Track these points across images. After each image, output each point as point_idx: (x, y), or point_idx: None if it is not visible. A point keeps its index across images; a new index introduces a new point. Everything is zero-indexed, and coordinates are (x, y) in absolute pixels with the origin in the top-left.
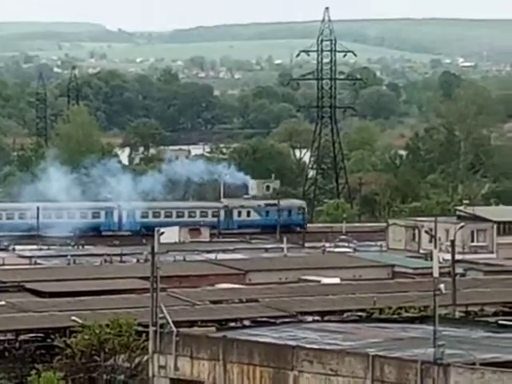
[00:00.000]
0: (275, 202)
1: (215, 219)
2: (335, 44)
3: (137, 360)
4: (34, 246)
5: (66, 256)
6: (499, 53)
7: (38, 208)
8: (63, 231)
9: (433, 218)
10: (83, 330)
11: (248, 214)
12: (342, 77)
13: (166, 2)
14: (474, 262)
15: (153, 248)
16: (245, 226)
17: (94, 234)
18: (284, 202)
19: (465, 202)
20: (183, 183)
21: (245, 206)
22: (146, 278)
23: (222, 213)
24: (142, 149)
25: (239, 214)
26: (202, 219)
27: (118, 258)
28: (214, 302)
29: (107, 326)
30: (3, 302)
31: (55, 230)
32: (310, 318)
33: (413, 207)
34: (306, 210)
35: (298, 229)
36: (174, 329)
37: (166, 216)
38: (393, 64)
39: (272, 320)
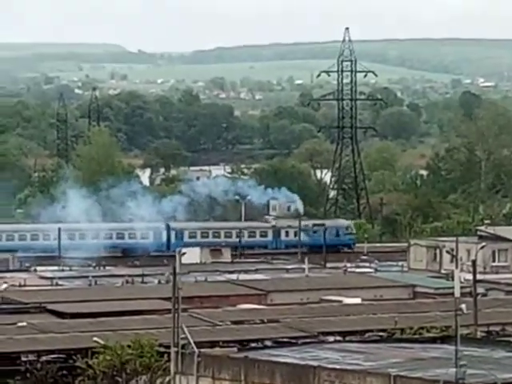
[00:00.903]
0: (323, 222)
1: (263, 239)
2: (355, 64)
3: (158, 381)
4: (55, 267)
5: (87, 277)
6: None
7: (59, 229)
8: (111, 252)
9: (454, 238)
10: (105, 350)
11: (295, 234)
12: (362, 97)
13: (186, 24)
14: (495, 282)
15: (174, 269)
16: (292, 245)
17: (142, 254)
18: (331, 222)
19: (486, 221)
20: (204, 204)
21: (292, 226)
22: (167, 299)
23: (270, 233)
24: (162, 170)
25: (287, 234)
26: (238, 239)
27: (140, 279)
28: (236, 323)
29: (129, 346)
30: (25, 323)
31: (104, 251)
32: (331, 339)
33: (434, 227)
34: (354, 231)
35: (346, 249)
36: (196, 349)
37: (214, 236)
38: (413, 84)
39: (293, 340)
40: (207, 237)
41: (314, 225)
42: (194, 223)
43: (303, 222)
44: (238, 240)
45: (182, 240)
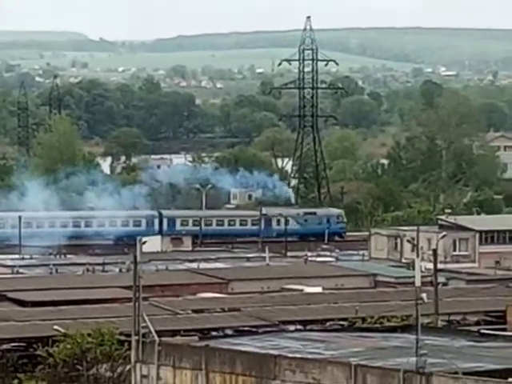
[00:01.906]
0: (314, 210)
1: (255, 227)
2: (317, 53)
3: (119, 369)
4: (16, 256)
5: (48, 265)
6: (481, 62)
7: (19, 217)
8: (104, 239)
9: (415, 227)
10: (65, 339)
11: (286, 222)
12: (323, 86)
13: (148, 12)
14: (456, 271)
15: (135, 257)
16: (283, 234)
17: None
18: (322, 211)
19: (447, 211)
20: (164, 192)
21: (283, 214)
22: (128, 288)
23: (262, 221)
24: (123, 158)
25: (278, 222)
26: (242, 227)
27: (100, 268)
28: (197, 311)
29: (89, 335)
30: None
31: (98, 238)
32: (292, 327)
33: (395, 216)
34: (345, 219)
35: (337, 237)
36: (157, 338)
37: (207, 224)
38: (374, 73)
39: (254, 329)
40: (199, 225)
41: (305, 213)
42: (186, 211)
43: (294, 211)
44: (230, 228)
45: (174, 228)
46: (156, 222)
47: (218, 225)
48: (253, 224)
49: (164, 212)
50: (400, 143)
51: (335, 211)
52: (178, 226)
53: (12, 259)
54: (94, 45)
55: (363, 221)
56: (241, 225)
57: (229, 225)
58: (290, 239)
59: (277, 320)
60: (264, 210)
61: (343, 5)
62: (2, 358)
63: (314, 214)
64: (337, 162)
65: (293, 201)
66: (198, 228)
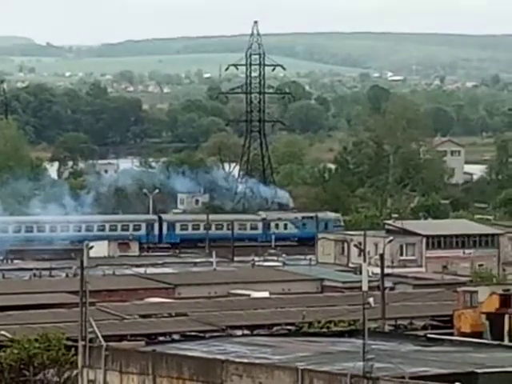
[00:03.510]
0: (312, 214)
1: (254, 231)
2: (264, 58)
3: (66, 374)
4: None
5: None
6: (428, 67)
7: None
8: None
9: (362, 232)
10: (12, 344)
11: (285, 226)
12: (270, 91)
13: (95, 17)
14: (402, 276)
15: (82, 262)
16: (282, 238)
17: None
18: (320, 215)
19: (394, 215)
20: (111, 196)
21: (282, 218)
22: (75, 293)
23: (261, 225)
24: (70, 163)
25: (277, 226)
26: (241, 232)
27: (47, 273)
28: (143, 316)
29: (36, 340)
30: None
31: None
32: (239, 332)
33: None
34: (342, 223)
35: None
36: (104, 343)
37: (205, 229)
38: (322, 78)
39: (201, 334)
40: (198, 229)
41: (304, 217)
42: (186, 216)
43: (293, 215)
44: (229, 232)
45: (173, 232)
46: (156, 226)
47: (217, 229)
48: (252, 228)
49: (164, 216)
50: (347, 148)
51: (333, 215)
52: (178, 231)
53: None
54: (40, 49)
55: None
56: (240, 229)
57: (228, 229)
58: (288, 243)
59: (224, 325)
60: (263, 214)
61: (290, 10)
62: None
63: (312, 218)
64: (284, 166)
65: (291, 205)
66: (197, 232)
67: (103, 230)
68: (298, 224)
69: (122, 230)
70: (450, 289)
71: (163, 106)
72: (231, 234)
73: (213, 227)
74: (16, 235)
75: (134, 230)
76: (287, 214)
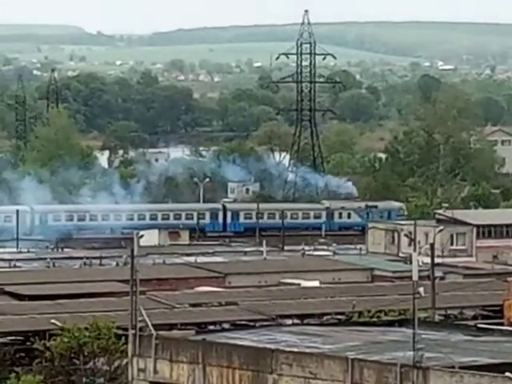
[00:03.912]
0: (376, 204)
1: (317, 220)
2: (315, 47)
3: (116, 363)
4: (13, 249)
5: (45, 259)
6: (478, 56)
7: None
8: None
9: (412, 222)
10: (62, 333)
11: (349, 215)
12: (321, 80)
13: (146, 5)
14: (453, 266)
15: (132, 251)
16: (345, 227)
17: (198, 235)
18: (384, 204)
19: (444, 205)
20: (161, 185)
21: (346, 207)
22: (125, 281)
23: (324, 214)
24: (121, 152)
25: (340, 215)
26: (305, 221)
27: (98, 261)
28: (194, 305)
29: (86, 329)
30: None
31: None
32: (289, 322)
33: None
34: (405, 212)
35: None
36: (154, 332)
37: (269, 217)
38: (372, 67)
39: (251, 323)
40: (262, 218)
41: (367, 206)
42: (249, 204)
43: (357, 204)
44: (292, 221)
45: (237, 221)
46: (220, 215)
47: (280, 218)
48: (315, 217)
49: (228, 205)
50: (398, 137)
51: (396, 204)
52: (242, 220)
53: (9, 253)
54: (91, 38)
55: None
56: (303, 218)
57: (291, 218)
58: (352, 232)
59: (274, 314)
60: (326, 203)
61: None
62: None
63: (376, 207)
64: (334, 155)
65: (355, 194)
66: (260, 221)
67: (167, 218)
68: (362, 213)
69: (175, 218)
70: (500, 278)
71: (214, 95)
72: (281, 223)
73: (276, 216)
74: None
75: (199, 218)
76: (351, 203)
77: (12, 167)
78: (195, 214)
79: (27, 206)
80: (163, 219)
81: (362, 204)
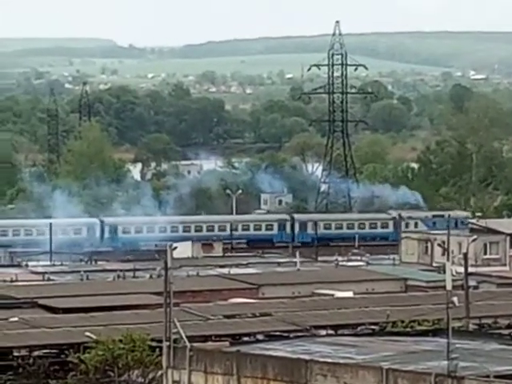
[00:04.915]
0: (443, 213)
1: (385, 230)
2: (346, 58)
3: (151, 375)
4: (47, 262)
5: (79, 272)
6: (510, 65)
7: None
8: (237, 243)
9: (445, 231)
10: (97, 345)
11: (416, 225)
12: (353, 90)
13: (177, 18)
14: (486, 275)
15: (166, 263)
16: None
17: (267, 245)
18: (451, 213)
19: (477, 214)
20: (193, 197)
21: (413, 217)
22: (159, 294)
23: (391, 224)
24: (153, 164)
25: (407, 225)
26: (371, 230)
27: (131, 274)
28: (228, 317)
29: (121, 341)
30: (16, 318)
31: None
32: (323, 332)
33: None
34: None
35: None
36: (188, 344)
37: (337, 228)
38: (404, 77)
39: (285, 334)
40: (329, 228)
41: (434, 216)
42: (317, 215)
43: (424, 213)
44: (360, 231)
45: (305, 231)
46: (288, 225)
47: (348, 228)
48: (382, 227)
49: (296, 216)
50: (430, 147)
51: (462, 214)
52: (310, 230)
53: (43, 266)
54: (123, 51)
55: None
56: (370, 228)
57: (359, 228)
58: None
59: (308, 325)
60: (394, 213)
61: (372, 9)
62: (34, 365)
63: (442, 216)
64: (367, 166)
65: (422, 204)
66: (328, 231)
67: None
68: (429, 223)
69: (208, 230)
70: None
71: (246, 107)
72: (359, 232)
73: (344, 226)
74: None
75: (267, 229)
76: (418, 213)
77: (45, 181)
78: (263, 225)
79: (96, 219)
80: (220, 230)
81: (429, 213)
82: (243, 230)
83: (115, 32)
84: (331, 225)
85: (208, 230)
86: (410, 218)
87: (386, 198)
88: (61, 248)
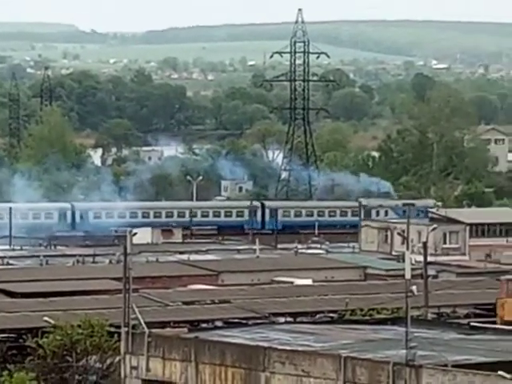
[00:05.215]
0: (412, 202)
1: (355, 218)
2: (308, 45)
3: (109, 361)
4: (6, 247)
5: (38, 256)
6: (472, 55)
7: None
8: (208, 230)
9: (405, 220)
10: (55, 330)
11: (386, 213)
12: (315, 78)
13: (139, 3)
14: (446, 264)
15: (125, 249)
16: None
17: (237, 232)
18: (420, 202)
19: (437, 203)
20: (154, 183)
21: (383, 205)
22: (118, 279)
23: (362, 213)
24: (114, 150)
25: (377, 213)
26: (342, 218)
27: (91, 259)
28: (186, 303)
29: (79, 326)
30: None
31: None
32: (282, 320)
33: None
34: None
35: None
36: (146, 329)
37: (307, 215)
38: (366, 65)
39: (244, 321)
40: (300, 216)
41: (404, 204)
42: (288, 202)
43: (393, 202)
44: (330, 219)
45: (275, 219)
46: (258, 213)
47: (319, 215)
48: (353, 215)
49: (266, 203)
50: (391, 136)
51: (432, 202)
52: (280, 217)
53: (2, 250)
54: (85, 36)
55: None
56: (341, 215)
57: (329, 216)
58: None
59: (267, 312)
60: (364, 202)
61: None
62: None
63: (413, 205)
64: (328, 154)
65: (392, 192)
66: (298, 219)
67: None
68: (399, 211)
69: (167, 216)
70: (493, 277)
71: (207, 93)
72: (329, 221)
73: (314, 213)
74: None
75: (237, 216)
76: (388, 201)
77: (5, 165)
78: (234, 212)
79: (68, 203)
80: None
81: (399, 202)
82: (214, 216)
83: (77, 17)
84: (302, 212)
85: (168, 216)
86: (380, 206)
87: (347, 187)
88: (31, 233)
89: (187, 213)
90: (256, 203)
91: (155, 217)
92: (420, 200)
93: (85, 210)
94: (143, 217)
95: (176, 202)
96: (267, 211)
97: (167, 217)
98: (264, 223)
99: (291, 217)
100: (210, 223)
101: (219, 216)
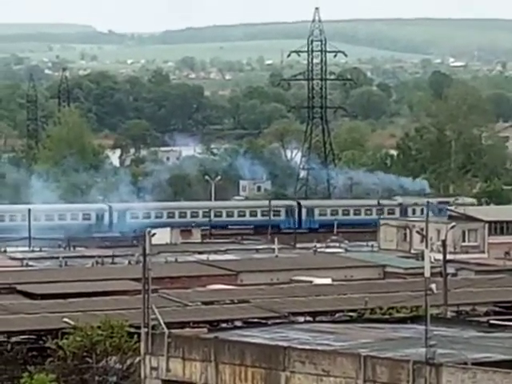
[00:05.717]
0: (448, 199)
1: (391, 216)
2: (325, 44)
3: (129, 361)
4: (26, 248)
5: (57, 258)
6: (489, 52)
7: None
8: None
9: (424, 218)
10: (75, 331)
11: (422, 211)
12: (332, 77)
13: (156, 4)
14: (465, 262)
15: (144, 249)
16: None
17: (273, 231)
18: (457, 200)
19: (456, 201)
20: (172, 183)
21: (418, 203)
22: (137, 280)
23: (398, 210)
24: (132, 150)
25: (413, 211)
26: (378, 216)
27: (110, 260)
28: (206, 303)
29: (99, 327)
30: None
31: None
32: (301, 319)
33: None
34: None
35: None
36: (166, 330)
37: (344, 214)
38: (383, 64)
39: (263, 321)
40: (336, 214)
41: (440, 202)
42: (324, 201)
43: (429, 200)
44: (368, 218)
45: (312, 217)
46: (295, 212)
47: (355, 214)
48: (389, 213)
49: (303, 202)
50: (409, 134)
51: (468, 200)
52: (317, 216)
53: (21, 252)
54: (102, 37)
55: None
56: (377, 214)
57: (365, 214)
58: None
59: (286, 311)
60: (400, 200)
61: None
62: (12, 351)
63: (448, 202)
64: (346, 153)
65: (427, 190)
66: (335, 217)
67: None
68: (435, 209)
69: (203, 216)
70: None
71: (225, 93)
72: (366, 219)
73: (351, 212)
74: (239, 219)
75: (274, 215)
76: (423, 199)
77: (23, 166)
78: (271, 212)
79: (105, 204)
80: (239, 216)
81: (435, 200)
82: (251, 215)
83: (95, 18)
84: (338, 211)
85: (204, 216)
86: (415, 204)
87: (368, 185)
88: (68, 234)
89: (224, 213)
90: (292, 202)
91: (192, 216)
92: (457, 197)
93: (122, 211)
94: (180, 217)
95: (212, 203)
96: (304, 210)
97: (204, 217)
98: (301, 222)
99: (327, 216)
100: (246, 223)
101: (256, 216)
